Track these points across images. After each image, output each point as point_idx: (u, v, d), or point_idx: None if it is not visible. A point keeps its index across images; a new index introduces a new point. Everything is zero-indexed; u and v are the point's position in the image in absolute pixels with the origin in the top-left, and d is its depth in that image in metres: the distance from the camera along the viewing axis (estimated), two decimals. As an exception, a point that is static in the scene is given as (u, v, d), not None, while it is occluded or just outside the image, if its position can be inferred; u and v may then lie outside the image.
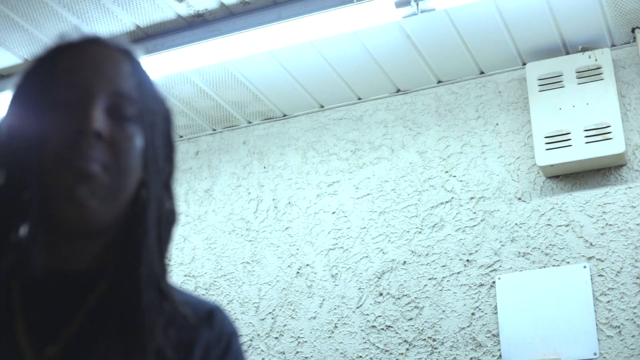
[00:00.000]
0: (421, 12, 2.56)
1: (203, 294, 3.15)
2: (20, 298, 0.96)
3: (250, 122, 3.31)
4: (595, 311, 2.70)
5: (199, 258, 3.22)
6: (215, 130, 3.36)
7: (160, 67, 2.82)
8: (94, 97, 0.97)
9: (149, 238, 0.98)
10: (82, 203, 0.93)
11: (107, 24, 2.69)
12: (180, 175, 3.35)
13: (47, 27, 2.69)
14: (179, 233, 3.25)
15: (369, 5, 2.59)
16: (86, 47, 1.02)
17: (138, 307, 0.94)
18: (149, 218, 0.99)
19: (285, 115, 3.27)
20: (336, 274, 3.05)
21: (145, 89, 1.04)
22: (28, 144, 0.95)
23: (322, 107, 3.22)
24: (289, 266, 3.10)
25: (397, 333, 2.92)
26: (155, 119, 1.04)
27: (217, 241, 3.22)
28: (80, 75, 0.99)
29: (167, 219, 1.02)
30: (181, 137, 3.39)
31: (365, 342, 2.95)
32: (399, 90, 3.15)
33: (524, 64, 2.96)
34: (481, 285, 2.87)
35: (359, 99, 3.19)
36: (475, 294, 2.87)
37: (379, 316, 2.96)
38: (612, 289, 2.70)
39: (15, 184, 0.95)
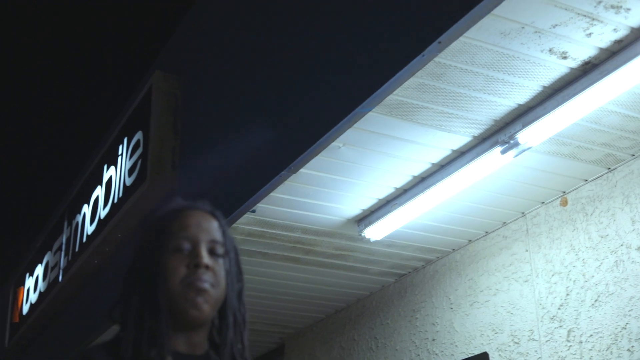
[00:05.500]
0: None
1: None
2: None
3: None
4: None
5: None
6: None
7: (576, 110, 3.57)
8: (201, 244, 1.88)
9: (230, 330, 1.90)
10: (201, 308, 1.84)
11: (519, 94, 3.58)
12: (640, 190, 3.98)
13: (469, 107, 3.69)
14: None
15: None
16: (191, 212, 1.94)
17: None
18: (229, 320, 1.90)
19: None
20: None
21: (227, 237, 1.94)
22: (162, 273, 1.84)
23: None
24: None
25: None
26: (232, 255, 1.94)
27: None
28: (191, 231, 1.89)
29: (242, 320, 1.93)
30: (632, 155, 4.02)
31: None
32: None
33: None
34: None
35: None
36: None
37: None
38: None
39: (152, 302, 1.82)
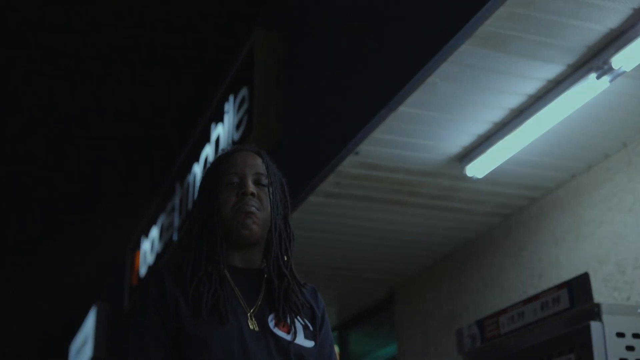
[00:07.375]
0: None
1: None
2: (232, 280, 2.25)
3: None
4: None
5: None
6: None
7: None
8: (247, 177, 2.32)
9: (275, 247, 2.30)
10: (250, 228, 2.26)
11: (610, 18, 3.70)
12: None
13: (562, 35, 3.84)
14: None
15: None
16: (239, 153, 2.39)
17: (280, 281, 2.29)
18: (274, 236, 2.31)
19: None
20: None
21: (270, 170, 2.36)
22: (216, 203, 2.29)
23: None
24: None
25: None
26: (275, 185, 2.35)
27: None
28: (238, 168, 2.34)
29: (286, 236, 2.34)
30: None
31: None
32: None
33: None
34: None
35: None
36: None
37: None
38: None
39: (209, 227, 2.27)
